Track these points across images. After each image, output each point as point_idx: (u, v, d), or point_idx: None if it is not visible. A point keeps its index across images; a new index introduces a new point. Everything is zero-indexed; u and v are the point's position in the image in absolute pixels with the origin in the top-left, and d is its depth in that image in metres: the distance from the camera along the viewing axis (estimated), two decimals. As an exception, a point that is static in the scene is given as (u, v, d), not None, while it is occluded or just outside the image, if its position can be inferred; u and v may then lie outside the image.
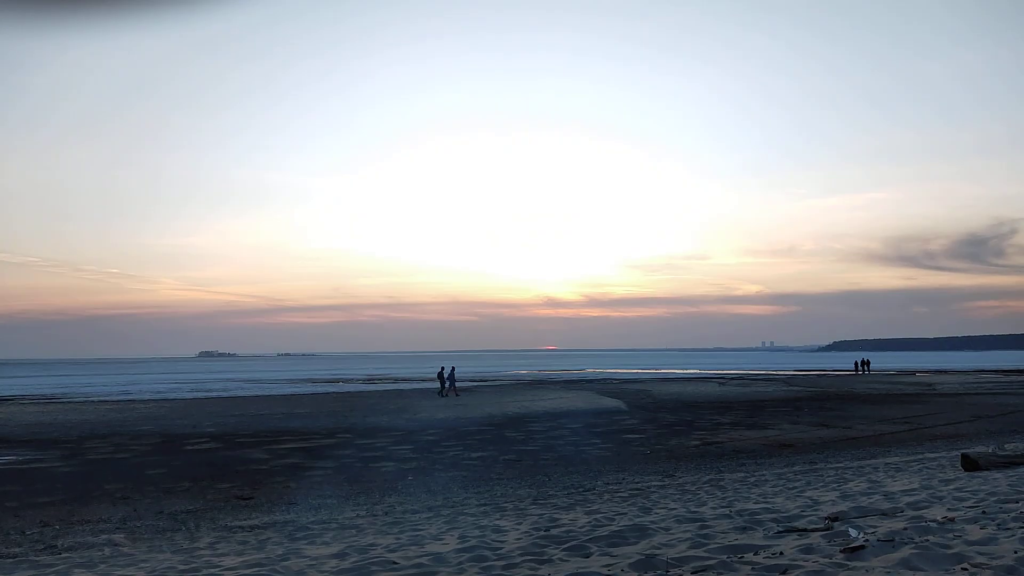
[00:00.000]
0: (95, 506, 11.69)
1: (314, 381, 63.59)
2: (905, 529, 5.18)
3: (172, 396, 44.33)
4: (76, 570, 6.54)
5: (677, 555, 5.09)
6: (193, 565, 6.31)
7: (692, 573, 4.42)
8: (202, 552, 7.35)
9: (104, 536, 8.99)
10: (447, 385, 37.23)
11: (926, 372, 66.18)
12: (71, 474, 15.32)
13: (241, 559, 6.57)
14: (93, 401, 40.69)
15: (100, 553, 7.65)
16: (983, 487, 7.69)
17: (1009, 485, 7.55)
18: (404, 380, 61.77)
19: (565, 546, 5.97)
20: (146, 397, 43.80)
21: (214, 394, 45.89)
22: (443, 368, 38.74)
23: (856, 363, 68.77)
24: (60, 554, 7.87)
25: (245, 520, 10.03)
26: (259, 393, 46.05)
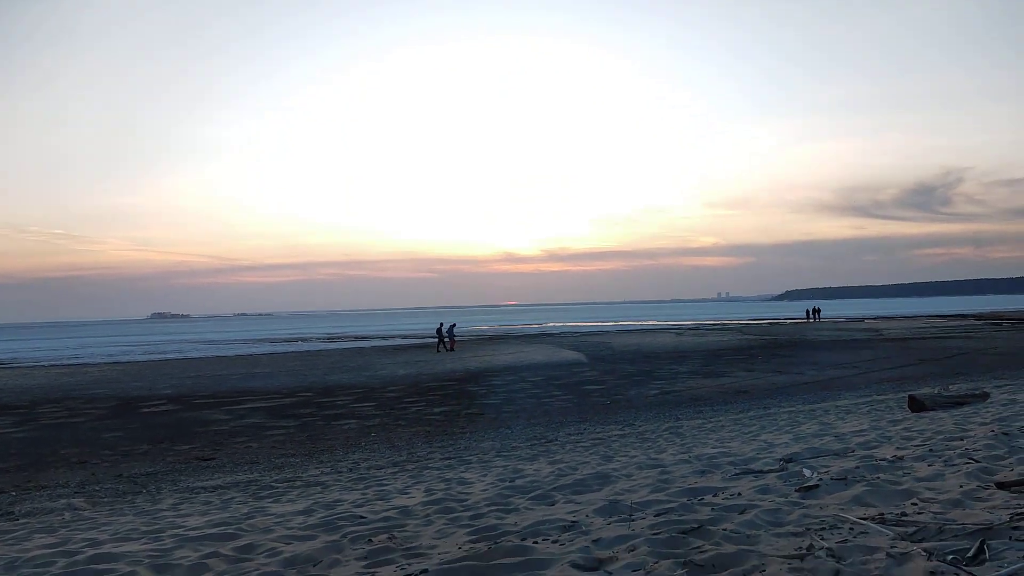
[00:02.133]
0: (52, 471, 11.49)
1: (272, 341, 62.95)
2: (856, 468, 5.39)
3: (125, 359, 43.48)
4: (36, 535, 6.44)
5: (640, 500, 5.22)
6: (157, 527, 6.26)
7: (655, 516, 4.54)
8: (165, 513, 7.30)
9: (63, 501, 8.84)
10: (446, 339, 37.61)
11: (874, 319, 68.37)
12: (25, 439, 14.99)
13: (205, 519, 6.54)
14: (43, 365, 39.69)
15: (60, 518, 7.53)
16: (930, 426, 8.01)
17: (954, 424, 7.88)
18: (364, 338, 61.52)
19: (530, 495, 6.07)
20: (98, 360, 42.88)
21: (169, 356, 45.14)
22: (442, 324, 39.16)
23: (807, 311, 70.66)
24: (18, 520, 7.73)
25: (207, 481, 9.96)
26: (216, 354, 45.42)
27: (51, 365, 39.94)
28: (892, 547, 3.31)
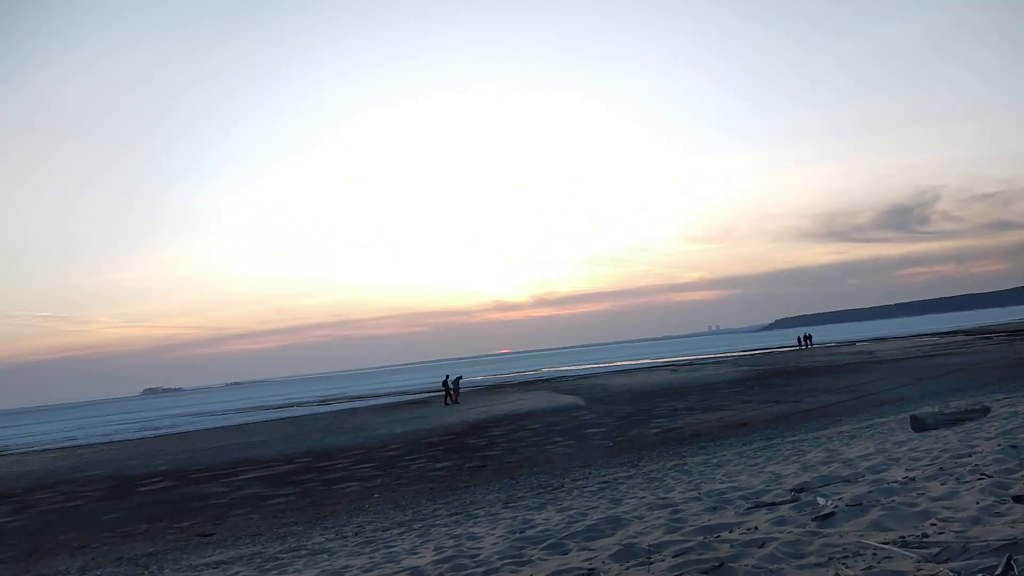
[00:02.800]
0: (51, 559, 11.19)
1: (267, 408, 62.20)
2: (870, 492, 5.35)
3: (119, 437, 42.78)
4: (37, 628, 6.25)
5: (655, 541, 5.14)
6: (162, 608, 6.09)
7: (673, 556, 4.46)
8: (170, 594, 7.11)
9: (62, 589, 8.60)
10: (452, 391, 37.72)
11: (866, 341, 68.56)
12: (22, 528, 14.62)
13: (212, 596, 6.37)
14: (36, 450, 38.97)
15: (60, 607, 7.32)
16: (935, 445, 7.99)
17: (960, 441, 7.87)
18: (359, 398, 60.95)
19: (542, 546, 5.97)
20: (92, 441, 42.17)
21: (163, 431, 44.46)
22: (448, 376, 39.30)
23: (799, 338, 70.80)
24: (17, 613, 7.50)
25: (210, 557, 9.73)
26: (210, 426, 44.79)
27: (44, 449, 39.22)
28: (918, 570, 3.27)
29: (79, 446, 39.00)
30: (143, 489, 18.44)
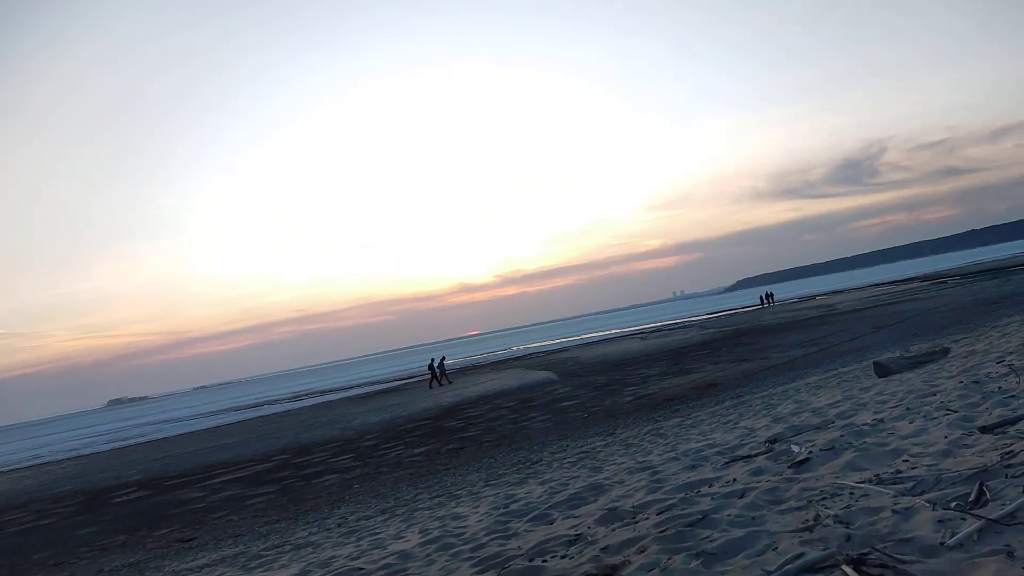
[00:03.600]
0: (25, 580, 10.94)
1: (238, 408, 61.39)
2: (841, 436, 5.48)
3: (88, 451, 41.89)
4: (19, 648, 6.11)
5: (638, 503, 5.20)
6: (148, 615, 6.00)
7: (657, 514, 4.52)
8: (154, 601, 7.01)
9: (42, 608, 8.43)
10: (439, 373, 38.04)
11: (825, 295, 70.04)
12: (-9, 552, 14.26)
13: (198, 599, 6.30)
14: (1, 471, 37.98)
15: (42, 625, 7.17)
16: (900, 387, 8.21)
17: (923, 382, 8.09)
18: (331, 391, 60.52)
19: (527, 518, 6.01)
20: (60, 457, 41.21)
21: (132, 441, 43.64)
22: (432, 359, 39.87)
23: (761, 297, 72.10)
24: (-3, 636, 7.33)
25: (192, 562, 9.61)
26: (181, 431, 44.10)
27: (10, 470, 38.23)
28: (896, 504, 3.36)
29: (46, 463, 38.11)
30: (117, 500, 18.10)
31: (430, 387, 37.34)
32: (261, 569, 7.48)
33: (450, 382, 37.99)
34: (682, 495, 5.07)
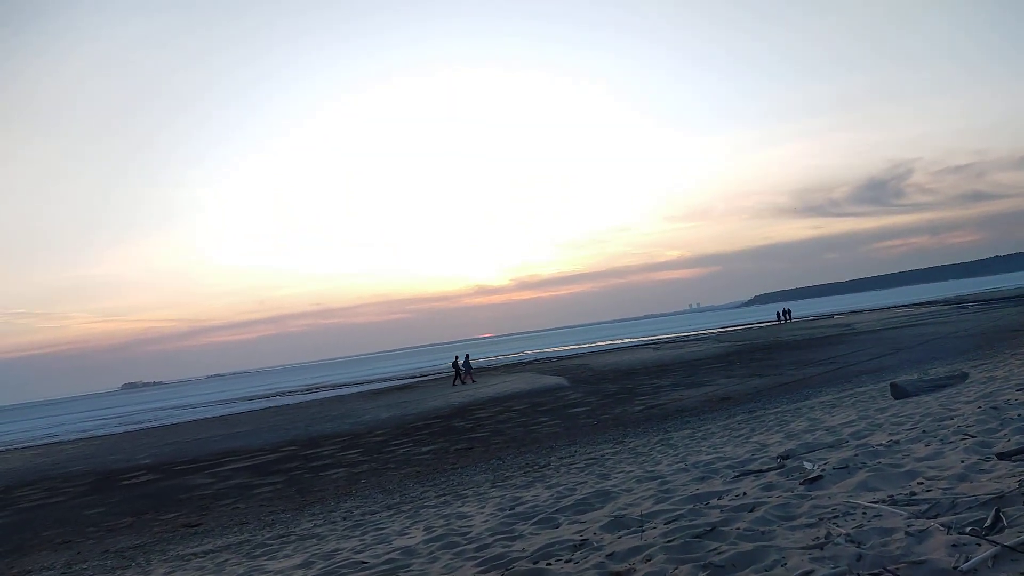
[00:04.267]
0: (35, 555, 11.05)
1: (250, 398, 61.81)
2: (855, 456, 5.40)
3: (100, 433, 42.34)
4: (23, 622, 6.16)
5: (645, 511, 5.16)
6: (151, 597, 6.03)
7: (665, 524, 4.48)
8: (158, 583, 7.04)
9: (48, 584, 8.50)
10: (463, 372, 38.13)
11: (843, 314, 69.40)
12: (4, 526, 14.43)
13: (202, 584, 6.32)
14: (16, 448, 38.45)
15: (47, 601, 7.23)
16: (916, 410, 8.09)
17: (940, 406, 7.97)
18: (343, 385, 60.77)
19: (533, 521, 5.98)
20: (73, 437, 41.69)
21: (144, 425, 44.06)
22: (457, 357, 39.87)
23: (778, 313, 71.53)
24: (2, 609, 7.40)
25: (197, 547, 9.65)
26: (193, 418, 44.46)
27: (24, 447, 38.72)
28: (909, 526, 3.30)
29: (59, 442, 38.56)
30: (126, 483, 18.26)
31: (453, 384, 37.53)
32: (265, 557, 7.50)
33: (474, 381, 38.04)
34: (691, 506, 5.01)
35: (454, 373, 39.05)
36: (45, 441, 41.64)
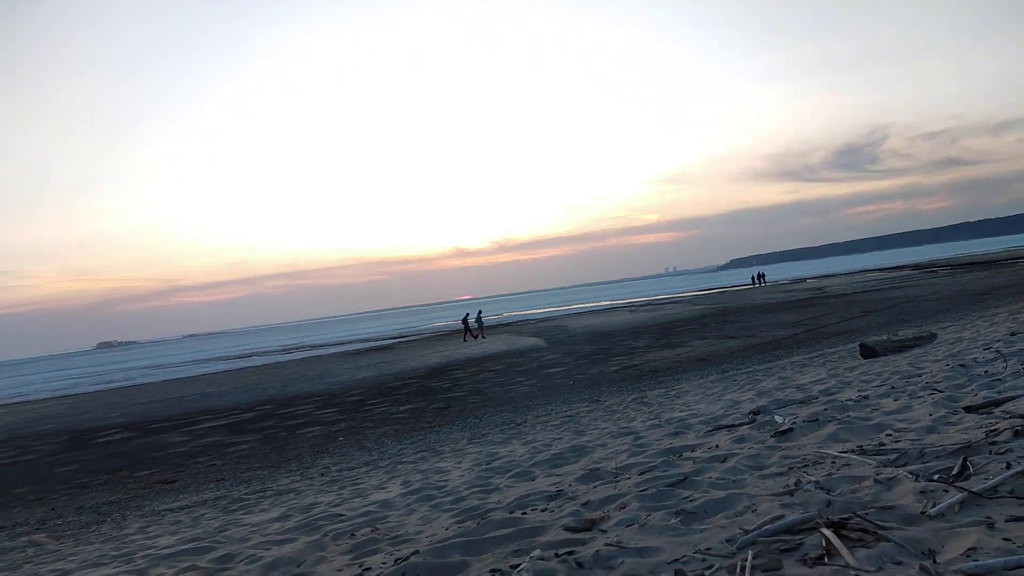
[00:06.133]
0: (7, 511, 10.98)
1: (226, 358, 61.45)
2: (825, 410, 5.50)
3: (72, 391, 41.95)
4: (-3, 575, 6.14)
5: (620, 464, 5.23)
6: (127, 550, 6.02)
7: (639, 475, 4.54)
8: (134, 537, 7.03)
9: (23, 539, 8.45)
10: (474, 327, 38.51)
11: (816, 278, 70.29)
12: (-28, 485, 14.30)
13: (177, 537, 6.32)
14: (-17, 408, 38.00)
15: (23, 554, 7.19)
16: (886, 368, 8.25)
17: (909, 364, 8.13)
18: (321, 346, 60.59)
19: (509, 474, 6.04)
20: (43, 396, 41.27)
21: (118, 384, 43.69)
22: (468, 314, 40.29)
23: (752, 277, 72.29)
24: (-25, 563, 7.36)
25: (173, 502, 9.66)
26: (167, 377, 44.16)
27: (-8, 407, 38.26)
28: (878, 474, 3.37)
29: (30, 401, 38.17)
30: (100, 441, 18.16)
31: (464, 340, 38.01)
32: (242, 512, 7.52)
33: (484, 337, 38.12)
34: (664, 459, 5.09)
35: (464, 329, 39.48)
36: (14, 400, 41.18)
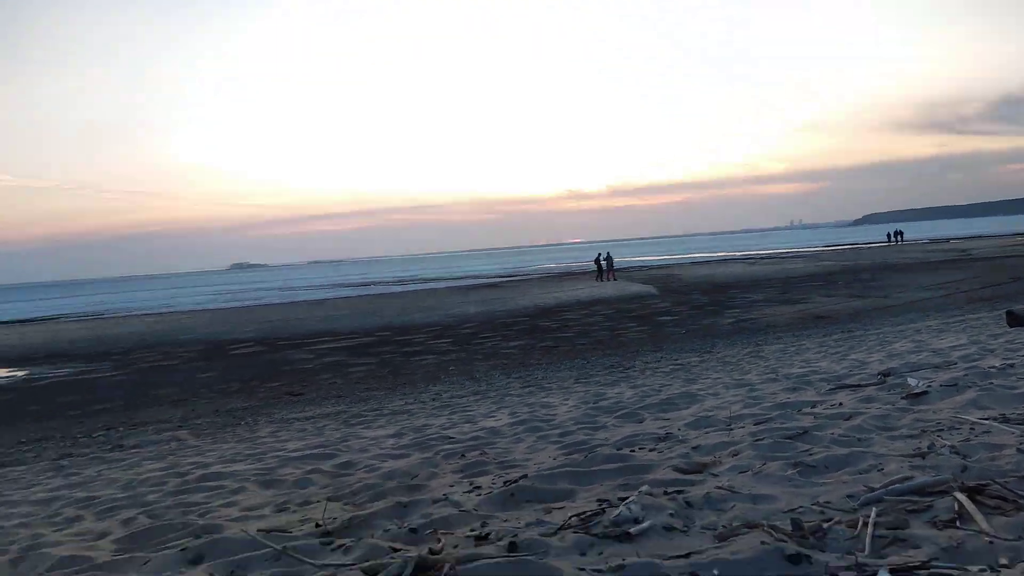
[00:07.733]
0: (153, 409, 12.14)
1: (346, 285, 64.41)
2: (965, 376, 5.14)
3: (210, 306, 45.35)
4: (146, 462, 6.82)
5: (733, 414, 5.12)
6: (259, 450, 6.53)
7: (755, 425, 4.43)
8: (265, 440, 7.61)
9: (168, 434, 9.34)
10: (605, 270, 39.01)
11: (961, 239, 65.10)
12: (125, 382, 15.88)
13: (303, 443, 6.79)
14: (136, 315, 41.83)
15: (167, 447, 7.96)
16: (1036, 338, 7.58)
17: (1063, 334, 7.43)
18: (433, 280, 62.37)
19: (616, 414, 6.04)
20: (186, 308, 44.88)
21: (250, 303, 46.83)
22: (599, 254, 40.70)
23: (889, 234, 67.88)
24: (128, 450, 8.21)
25: (299, 413, 10.35)
26: (294, 299, 46.90)
27: (143, 314, 42.04)
28: (1021, 443, 3.12)
29: (174, 312, 41.62)
30: (234, 353, 19.61)
31: (597, 280, 38.41)
32: (361, 426, 7.96)
33: (615, 279, 38.19)
34: (780, 412, 4.93)
35: (596, 270, 39.73)
36: (162, 310, 45.01)
